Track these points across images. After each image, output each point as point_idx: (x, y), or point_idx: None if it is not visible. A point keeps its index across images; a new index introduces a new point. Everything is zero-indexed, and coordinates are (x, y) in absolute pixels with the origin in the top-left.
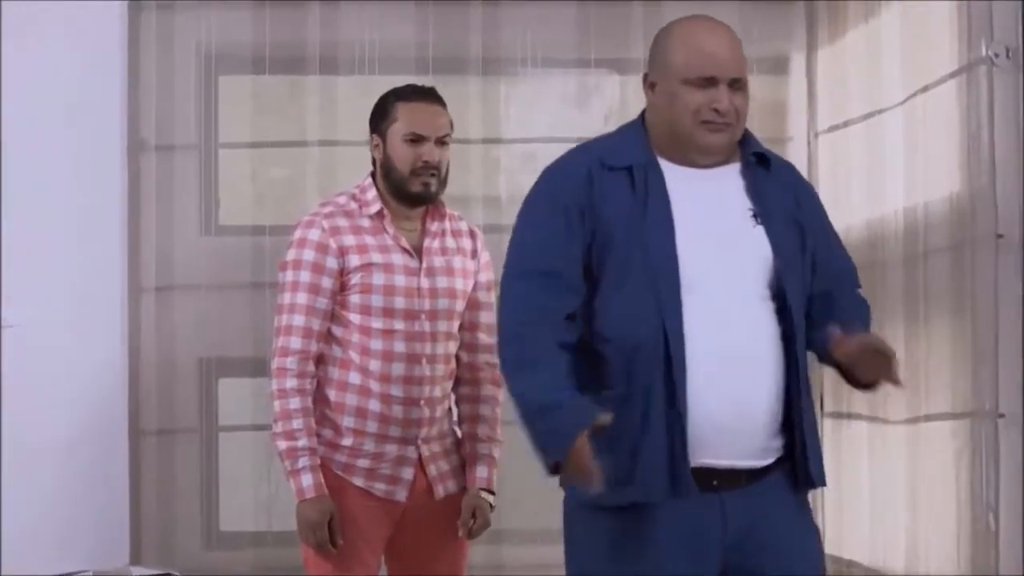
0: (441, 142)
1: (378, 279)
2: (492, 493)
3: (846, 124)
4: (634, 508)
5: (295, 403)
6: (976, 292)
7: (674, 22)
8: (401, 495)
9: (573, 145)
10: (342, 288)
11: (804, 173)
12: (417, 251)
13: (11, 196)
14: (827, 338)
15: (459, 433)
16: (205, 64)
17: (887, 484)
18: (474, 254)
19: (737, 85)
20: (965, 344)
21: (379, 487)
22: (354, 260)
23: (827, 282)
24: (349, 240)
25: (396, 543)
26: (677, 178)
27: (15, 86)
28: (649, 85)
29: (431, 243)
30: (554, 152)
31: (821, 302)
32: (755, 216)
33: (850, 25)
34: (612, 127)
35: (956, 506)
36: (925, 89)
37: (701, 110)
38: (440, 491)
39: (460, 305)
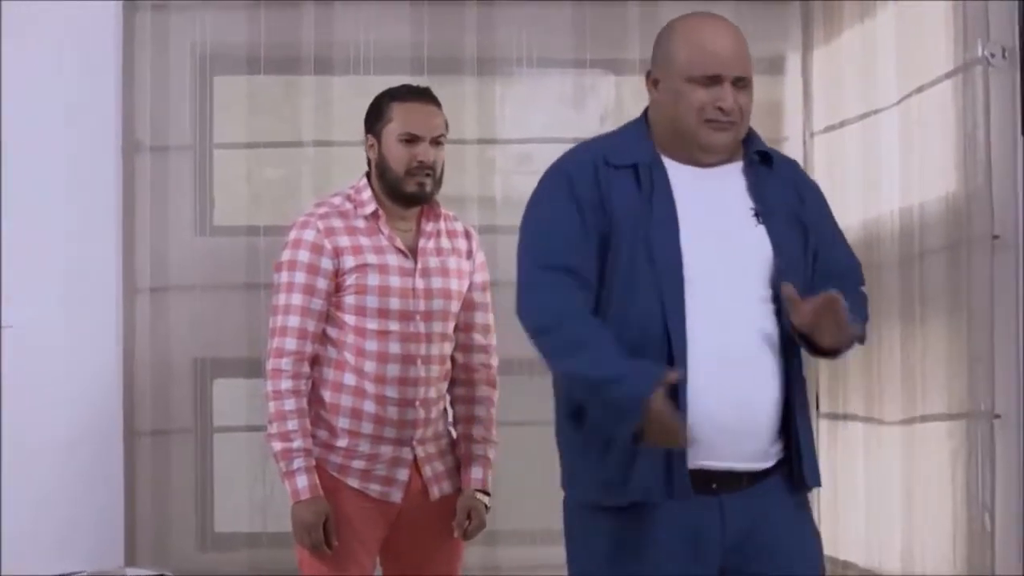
0: (436, 142)
1: (373, 280)
2: (487, 494)
3: (842, 124)
4: (633, 509)
5: (290, 404)
6: (972, 293)
7: (679, 18)
8: (396, 496)
9: (569, 146)
10: (337, 289)
11: None
12: (412, 252)
13: (6, 196)
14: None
15: (454, 434)
16: (200, 64)
17: (883, 485)
18: (469, 254)
19: (741, 84)
20: (961, 345)
21: (374, 488)
22: (349, 261)
23: (828, 280)
24: (344, 241)
25: (391, 544)
26: (680, 176)
27: (10, 86)
28: (652, 82)
29: (426, 244)
30: (550, 152)
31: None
32: (756, 215)
33: (846, 25)
34: (608, 127)
35: (952, 507)
36: (920, 89)
37: (705, 108)
38: (435, 492)
39: (455, 306)
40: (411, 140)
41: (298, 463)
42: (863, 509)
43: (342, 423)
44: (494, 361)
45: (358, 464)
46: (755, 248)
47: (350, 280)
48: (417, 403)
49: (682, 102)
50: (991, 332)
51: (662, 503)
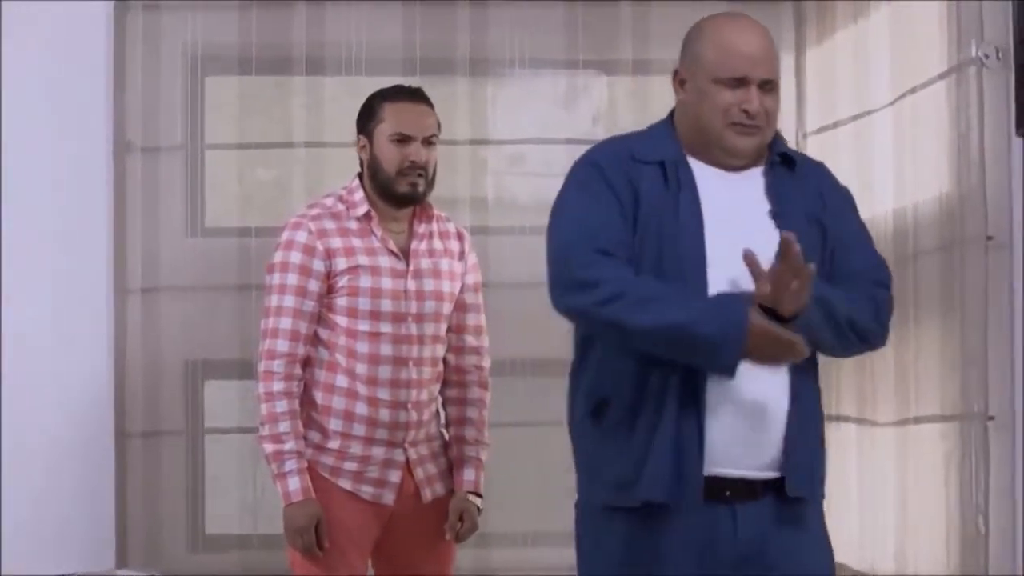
0: (428, 142)
1: (365, 282)
2: (479, 496)
3: (835, 125)
4: (646, 513)
5: (282, 406)
6: (965, 294)
7: (708, 18)
8: (388, 498)
9: (562, 147)
10: (329, 291)
11: None
12: (404, 253)
13: None
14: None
15: (446, 436)
16: (191, 65)
17: (876, 487)
18: (461, 256)
19: (768, 87)
20: (954, 346)
21: (366, 490)
22: (341, 263)
23: (839, 282)
24: (336, 242)
25: (383, 546)
26: (705, 177)
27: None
28: (679, 82)
29: (418, 245)
30: (542, 153)
31: None
32: (772, 217)
33: (839, 26)
34: (600, 128)
35: (945, 509)
36: (914, 90)
37: (730, 110)
38: (427, 494)
39: (447, 308)
40: (403, 140)
41: (290, 465)
42: (856, 511)
43: (334, 425)
44: (486, 363)
45: (350, 466)
46: (768, 251)
47: (342, 282)
48: (409, 405)
49: (707, 103)
50: (985, 333)
51: (674, 508)
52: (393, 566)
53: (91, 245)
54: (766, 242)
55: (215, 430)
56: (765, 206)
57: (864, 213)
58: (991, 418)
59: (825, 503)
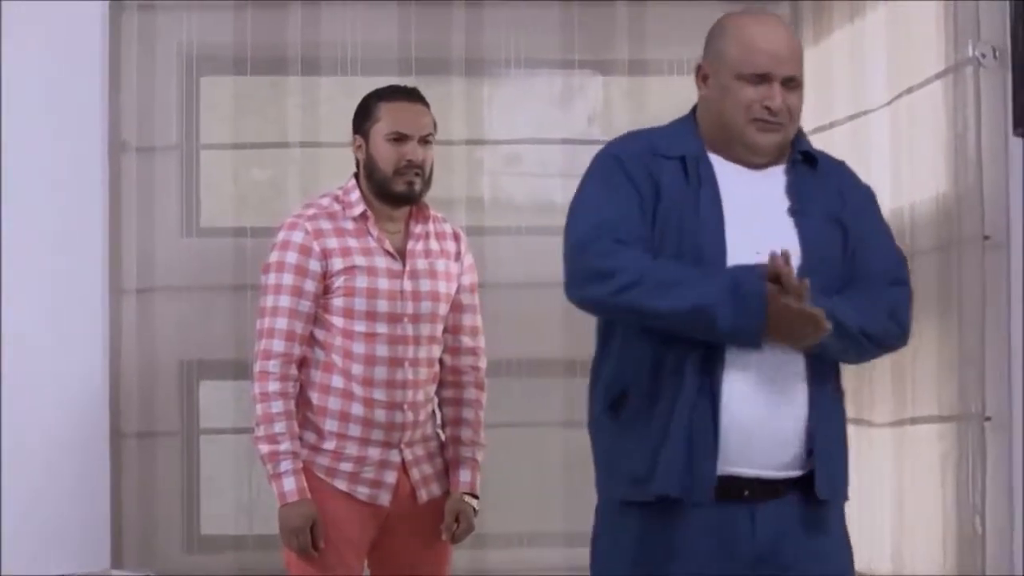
0: (425, 141)
1: (361, 282)
2: (475, 497)
3: (831, 125)
4: (659, 509)
5: (277, 406)
6: (963, 294)
7: (732, 14)
8: (384, 499)
9: (557, 146)
10: (325, 291)
11: None
12: (400, 253)
13: None
14: None
15: (442, 437)
16: (186, 65)
17: (873, 487)
18: (457, 256)
19: (792, 84)
20: (952, 346)
21: (362, 491)
22: (337, 263)
23: (855, 284)
24: (332, 243)
25: (379, 547)
26: (727, 174)
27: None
28: (702, 77)
29: (414, 245)
30: (538, 153)
31: None
32: (791, 214)
33: (835, 25)
34: (596, 128)
35: (942, 509)
36: (911, 90)
37: (752, 107)
38: (423, 495)
39: (443, 308)
40: (399, 139)
41: (285, 466)
42: (853, 511)
43: (329, 426)
44: (482, 363)
45: (346, 467)
46: (788, 248)
47: (338, 282)
48: (405, 406)
49: (729, 99)
50: (982, 333)
51: (688, 504)
52: (389, 567)
53: (86, 245)
54: (785, 239)
55: (210, 430)
56: (785, 204)
57: None
58: (988, 418)
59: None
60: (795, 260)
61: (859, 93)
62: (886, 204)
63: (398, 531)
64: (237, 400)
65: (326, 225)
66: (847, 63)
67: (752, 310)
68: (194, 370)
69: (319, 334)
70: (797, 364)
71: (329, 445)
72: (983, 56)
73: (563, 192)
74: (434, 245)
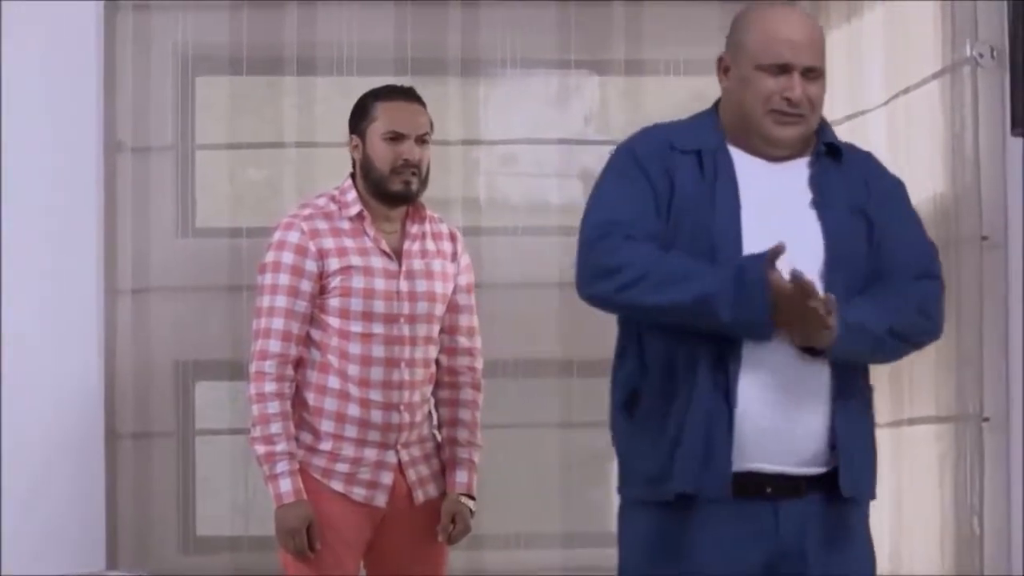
0: (421, 140)
1: (358, 282)
2: (472, 498)
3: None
4: (678, 507)
5: (274, 407)
6: (960, 294)
7: (753, 5)
8: (380, 500)
9: (554, 147)
10: (321, 291)
11: None
12: (397, 253)
13: None
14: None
15: (439, 437)
16: (182, 65)
17: None
18: (454, 257)
19: (812, 75)
20: (949, 347)
21: (358, 492)
22: (334, 263)
23: (878, 279)
24: (329, 243)
25: (376, 548)
26: (747, 167)
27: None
28: (723, 69)
29: (411, 245)
30: (534, 154)
31: None
32: (814, 207)
33: (832, 25)
34: (592, 128)
35: (940, 509)
36: (908, 90)
37: (772, 98)
38: (420, 496)
39: (440, 309)
40: (396, 138)
41: (281, 466)
42: None
43: (326, 426)
44: (479, 364)
45: (342, 468)
46: (810, 243)
47: (334, 282)
48: (401, 407)
49: (749, 90)
50: (980, 334)
51: (705, 500)
52: (385, 568)
53: (81, 245)
54: (807, 232)
55: (206, 431)
56: (807, 196)
57: None
58: (986, 419)
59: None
60: (818, 254)
61: (856, 93)
62: None
63: (394, 532)
64: (233, 401)
65: (322, 225)
66: (844, 63)
67: (754, 299)
68: (190, 371)
69: (315, 334)
70: (819, 358)
71: (325, 446)
72: (981, 56)
73: (559, 192)
74: (430, 245)
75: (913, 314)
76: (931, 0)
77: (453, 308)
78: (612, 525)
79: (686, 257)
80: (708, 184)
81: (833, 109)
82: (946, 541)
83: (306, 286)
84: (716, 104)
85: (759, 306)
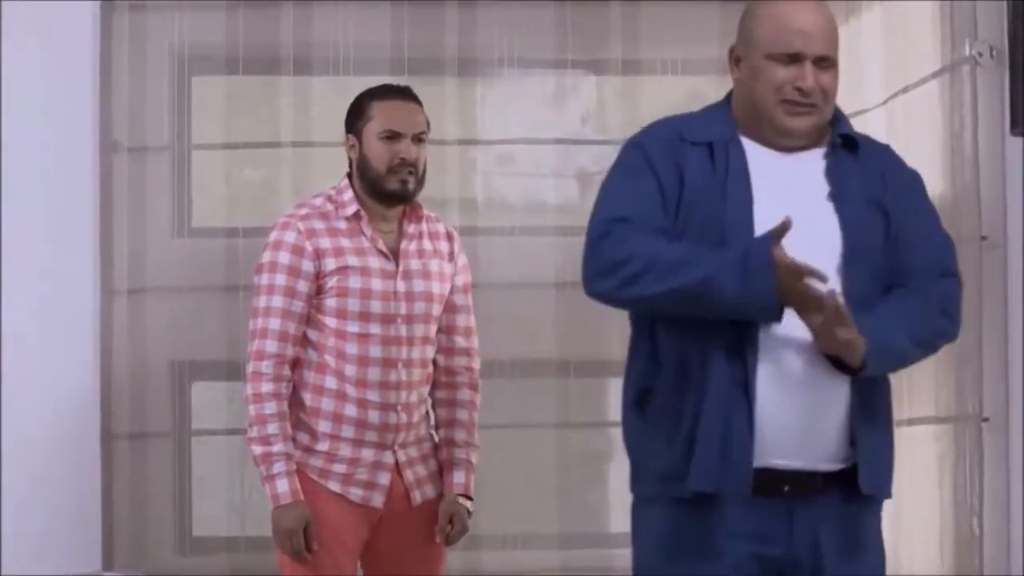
0: (418, 139)
1: (354, 283)
2: (469, 498)
3: None
4: (694, 505)
5: (270, 407)
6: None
7: None
8: (378, 501)
9: (551, 146)
10: (318, 291)
11: None
12: (394, 253)
13: None
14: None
15: (436, 438)
16: (178, 65)
17: None
18: (451, 257)
19: (825, 63)
20: (949, 347)
21: (355, 492)
22: (330, 263)
23: (896, 276)
24: (325, 243)
25: (373, 549)
26: (759, 158)
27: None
28: (734, 60)
29: (408, 245)
30: (531, 153)
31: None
32: (831, 200)
33: None
34: (589, 128)
35: (940, 510)
36: (906, 90)
37: (784, 87)
38: (417, 497)
39: (437, 309)
40: (392, 137)
41: (278, 467)
42: None
43: (323, 427)
44: (476, 364)
45: (339, 468)
46: (827, 235)
47: (331, 283)
48: (399, 407)
49: (760, 79)
50: (979, 334)
51: (723, 499)
52: (382, 569)
53: (77, 245)
54: (824, 225)
55: (202, 432)
56: (824, 189)
57: None
58: (985, 419)
59: None
60: (836, 247)
61: (855, 92)
62: None
63: (391, 533)
64: (229, 401)
65: (319, 225)
66: (843, 62)
67: (759, 275)
68: (186, 371)
69: (312, 335)
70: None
71: (322, 446)
72: (980, 55)
73: (556, 192)
74: (427, 245)
75: (937, 316)
76: (930, 0)
77: (450, 308)
78: (610, 525)
79: (691, 245)
80: (720, 177)
81: None
82: (945, 541)
83: (303, 286)
84: (728, 96)
85: (764, 283)
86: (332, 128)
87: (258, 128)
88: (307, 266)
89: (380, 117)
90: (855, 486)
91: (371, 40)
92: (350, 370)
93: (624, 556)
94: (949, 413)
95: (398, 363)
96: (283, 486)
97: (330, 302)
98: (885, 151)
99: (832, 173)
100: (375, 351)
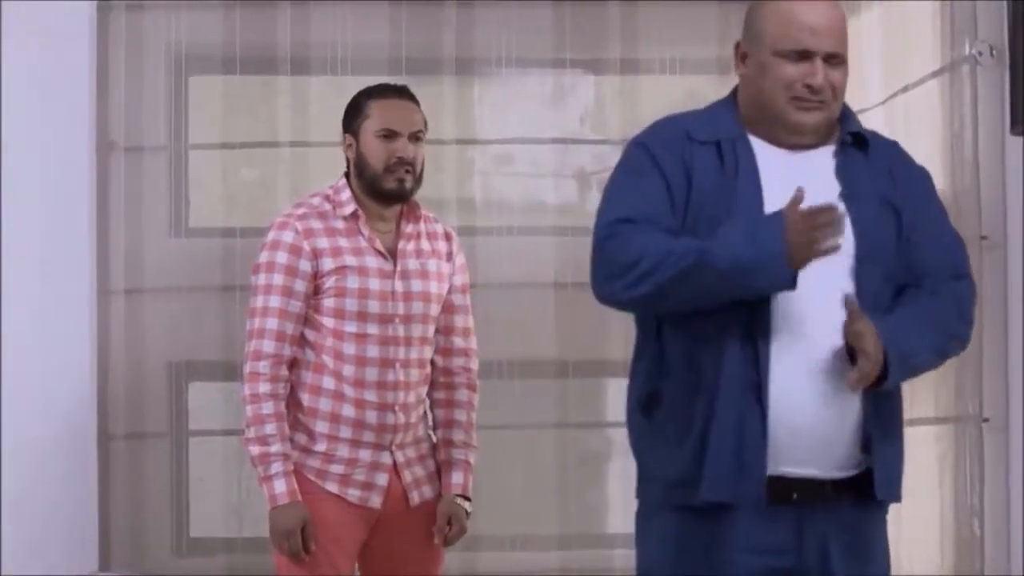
0: (415, 138)
1: (352, 282)
2: (468, 499)
3: None
4: (703, 512)
5: (268, 408)
6: None
7: None
8: (376, 501)
9: (549, 146)
10: (315, 291)
11: None
12: (392, 253)
13: None
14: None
15: (434, 438)
16: (175, 64)
17: None
18: (449, 257)
19: (835, 60)
20: None
21: (353, 493)
22: (328, 263)
23: (909, 276)
24: (323, 243)
25: (371, 549)
26: (767, 157)
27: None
28: (740, 56)
29: (405, 245)
30: (529, 153)
31: (900, 296)
32: (843, 199)
33: None
34: (588, 128)
35: (940, 511)
36: (906, 89)
37: (793, 85)
38: (415, 497)
39: (435, 309)
40: (389, 136)
41: (276, 467)
42: None
43: (320, 427)
44: (474, 364)
45: (337, 469)
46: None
47: (329, 283)
48: (396, 407)
49: (769, 77)
50: (980, 335)
51: (736, 512)
52: (380, 570)
53: (74, 246)
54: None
55: (199, 432)
56: (835, 188)
57: None
58: (986, 420)
59: None
60: (848, 247)
61: (854, 92)
62: None
63: (389, 533)
64: (226, 401)
65: (316, 225)
66: None
67: (768, 230)
68: (183, 371)
69: (309, 335)
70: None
71: (320, 447)
72: (980, 54)
73: (555, 192)
74: (425, 245)
75: (955, 320)
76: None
77: (448, 308)
78: (609, 526)
79: (697, 239)
80: (729, 177)
81: None
82: (946, 542)
83: (300, 286)
84: (733, 93)
85: (774, 238)
86: (330, 128)
87: (255, 128)
88: (304, 266)
89: (377, 116)
90: (864, 492)
91: (369, 40)
92: (348, 370)
93: (623, 556)
94: (949, 413)
95: (396, 363)
96: (281, 486)
97: (328, 302)
98: (893, 147)
99: (842, 172)
100: (373, 351)
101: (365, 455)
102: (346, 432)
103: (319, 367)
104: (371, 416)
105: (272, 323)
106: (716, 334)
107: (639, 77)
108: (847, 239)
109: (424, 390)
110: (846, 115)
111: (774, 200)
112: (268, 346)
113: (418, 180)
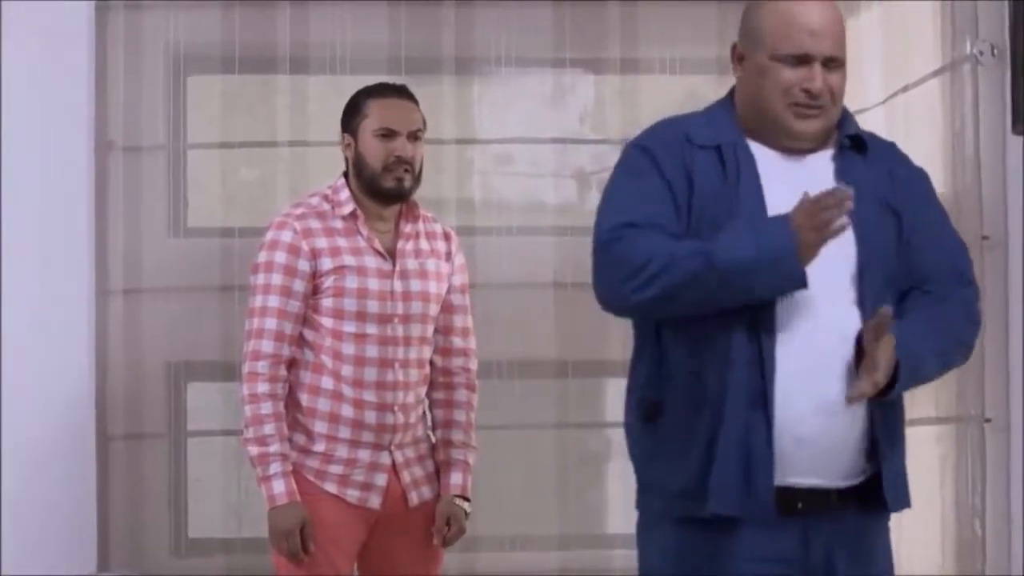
0: (414, 137)
1: (351, 282)
2: (467, 500)
3: None
4: (709, 526)
5: (267, 408)
6: None
7: None
8: (375, 502)
9: (548, 146)
10: (314, 291)
11: None
12: (391, 253)
13: None
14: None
15: (433, 439)
16: (174, 64)
17: None
18: (448, 256)
19: (834, 64)
20: None
21: (352, 494)
22: (327, 263)
23: (911, 280)
24: (322, 242)
25: (370, 550)
26: (766, 162)
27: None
28: (737, 57)
29: (404, 245)
30: (529, 153)
31: (903, 301)
32: None
33: None
34: (588, 128)
35: (941, 511)
36: (906, 88)
37: (791, 90)
38: (414, 498)
39: (434, 309)
40: (388, 135)
41: (275, 468)
42: None
43: (319, 427)
44: (473, 364)
45: (336, 469)
46: (842, 241)
47: (327, 282)
48: (395, 407)
49: (767, 81)
50: (981, 335)
51: (741, 523)
52: (379, 570)
53: (72, 246)
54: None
55: (198, 432)
56: None
57: None
58: (987, 420)
59: None
60: (851, 252)
61: (854, 91)
62: None
63: (388, 534)
64: (225, 402)
65: (315, 224)
66: None
67: (775, 229)
68: (181, 372)
69: (308, 335)
70: (852, 365)
71: (318, 447)
72: (981, 54)
73: (554, 192)
74: (424, 245)
75: (964, 326)
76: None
77: (447, 308)
78: (609, 526)
79: (700, 241)
80: (730, 182)
81: None
82: (947, 543)
83: (299, 286)
84: (730, 94)
85: (780, 231)
86: (329, 128)
87: (254, 128)
88: (303, 266)
89: (376, 115)
90: (869, 500)
91: (368, 39)
92: (347, 370)
93: (623, 556)
94: (950, 414)
95: (395, 363)
96: (279, 487)
97: (326, 302)
98: (891, 149)
99: (842, 176)
100: (372, 351)
101: (364, 455)
102: (345, 432)
103: (318, 367)
104: (370, 416)
105: (271, 323)
106: (718, 340)
107: (639, 77)
108: (849, 243)
109: (423, 390)
110: (844, 117)
111: (775, 207)
112: (267, 346)
113: (417, 179)
